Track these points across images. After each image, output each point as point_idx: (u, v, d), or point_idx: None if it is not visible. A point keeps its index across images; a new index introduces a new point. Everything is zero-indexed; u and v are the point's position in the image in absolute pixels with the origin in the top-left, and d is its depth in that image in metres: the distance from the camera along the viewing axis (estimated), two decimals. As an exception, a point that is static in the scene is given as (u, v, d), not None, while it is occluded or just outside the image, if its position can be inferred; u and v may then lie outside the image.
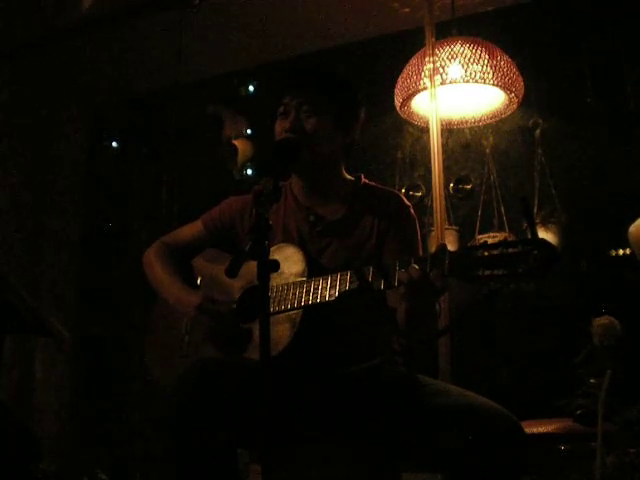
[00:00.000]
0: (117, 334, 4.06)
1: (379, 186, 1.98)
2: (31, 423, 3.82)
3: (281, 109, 1.88)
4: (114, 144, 4.55)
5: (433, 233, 3.08)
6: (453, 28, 3.13)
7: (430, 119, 2.97)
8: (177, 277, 1.94)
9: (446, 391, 1.70)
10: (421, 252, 1.89)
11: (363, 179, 1.97)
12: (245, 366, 1.65)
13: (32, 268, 4.15)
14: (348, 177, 1.97)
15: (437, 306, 1.67)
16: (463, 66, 2.91)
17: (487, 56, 2.93)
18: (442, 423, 1.61)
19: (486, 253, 1.40)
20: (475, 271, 1.41)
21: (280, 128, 1.87)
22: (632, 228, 2.43)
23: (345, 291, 1.60)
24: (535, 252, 1.35)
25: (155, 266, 2.00)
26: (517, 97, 3.03)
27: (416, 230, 1.90)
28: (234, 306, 1.84)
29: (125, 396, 3.89)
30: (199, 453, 1.55)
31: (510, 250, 1.38)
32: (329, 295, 1.63)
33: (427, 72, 2.96)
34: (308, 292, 1.67)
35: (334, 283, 1.63)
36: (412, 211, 1.91)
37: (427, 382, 1.75)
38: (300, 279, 1.72)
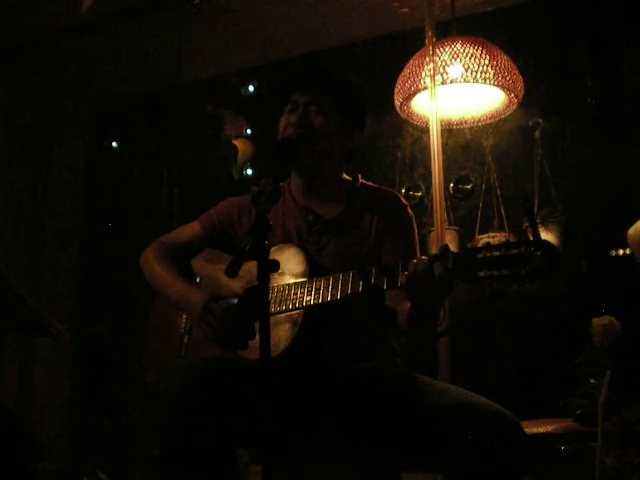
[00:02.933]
0: (117, 334, 4.06)
1: (376, 186, 1.98)
2: (31, 423, 3.82)
3: (289, 106, 1.88)
4: (114, 144, 4.55)
5: (433, 233, 3.08)
6: (453, 28, 3.13)
7: (430, 119, 2.97)
8: (178, 275, 1.94)
9: (446, 391, 1.70)
10: (418, 251, 1.89)
11: (360, 179, 1.98)
12: (245, 366, 1.65)
13: (32, 268, 4.15)
14: (346, 177, 1.98)
15: (441, 311, 1.68)
16: (463, 66, 2.91)
17: (487, 56, 2.93)
18: (442, 423, 1.61)
19: (489, 254, 1.41)
20: (478, 272, 1.41)
21: (285, 122, 1.86)
22: (631, 231, 2.44)
23: (349, 293, 1.60)
24: (538, 253, 1.35)
25: (154, 265, 1.99)
26: (517, 97, 3.03)
27: (413, 229, 1.90)
28: (235, 301, 1.83)
29: (125, 396, 3.89)
30: (198, 453, 1.55)
31: (513, 251, 1.39)
32: (331, 295, 1.63)
33: (427, 72, 2.96)
34: (310, 292, 1.67)
35: (336, 283, 1.63)
36: (410, 210, 1.92)
37: (427, 382, 1.75)
38: (301, 280, 1.72)
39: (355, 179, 1.97)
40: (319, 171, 1.90)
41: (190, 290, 1.87)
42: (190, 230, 2.04)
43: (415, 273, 1.49)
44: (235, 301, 1.85)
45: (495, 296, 1.44)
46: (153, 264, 1.99)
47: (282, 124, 1.88)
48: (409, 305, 1.62)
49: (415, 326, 1.67)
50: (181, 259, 2.01)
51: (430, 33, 3.02)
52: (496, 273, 1.39)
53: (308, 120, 1.83)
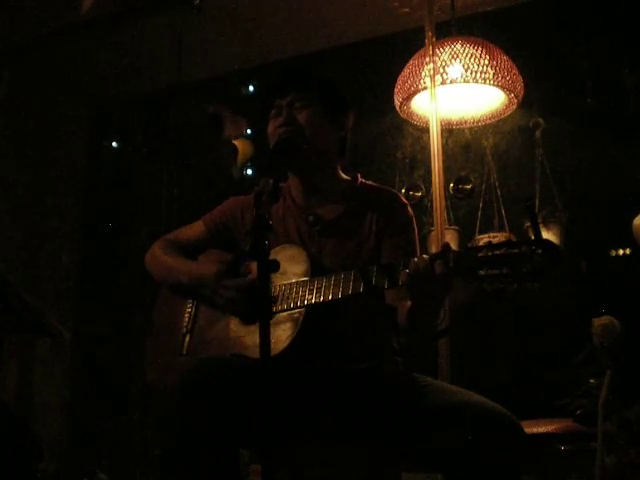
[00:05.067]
0: (117, 334, 4.06)
1: (376, 185, 1.99)
2: (31, 423, 3.82)
3: (273, 112, 1.92)
4: (114, 144, 4.55)
5: (433, 233, 3.08)
6: (453, 28, 3.13)
7: (430, 119, 2.97)
8: (186, 259, 1.96)
9: (446, 391, 1.70)
10: (418, 250, 1.90)
11: (360, 178, 1.98)
12: (246, 365, 1.65)
13: (32, 268, 4.15)
14: (344, 177, 1.98)
15: (441, 310, 1.68)
16: (463, 66, 2.92)
17: (487, 56, 2.93)
18: (442, 423, 1.61)
19: (490, 253, 1.41)
20: (479, 270, 1.41)
21: (273, 126, 1.90)
22: (637, 221, 2.44)
23: (350, 292, 1.60)
24: (539, 252, 1.36)
25: (161, 256, 2.00)
26: (517, 97, 3.03)
27: (413, 228, 1.91)
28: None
29: (125, 396, 3.89)
30: (199, 453, 1.55)
31: (514, 250, 1.39)
32: (332, 294, 1.63)
33: (427, 72, 2.96)
34: (311, 291, 1.67)
35: (337, 282, 1.63)
36: (409, 209, 1.92)
37: (427, 382, 1.75)
38: (303, 279, 1.72)
39: (354, 178, 1.98)
40: (315, 168, 1.91)
41: (199, 266, 1.91)
42: (193, 229, 2.05)
43: (416, 271, 1.49)
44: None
45: (496, 295, 1.44)
46: (159, 255, 2.00)
47: (270, 129, 1.91)
48: (409, 303, 1.62)
49: (415, 324, 1.67)
50: (186, 256, 2.01)
51: (430, 33, 3.02)
52: (497, 272, 1.39)
53: (294, 118, 1.87)
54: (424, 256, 1.50)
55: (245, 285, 1.76)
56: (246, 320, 1.77)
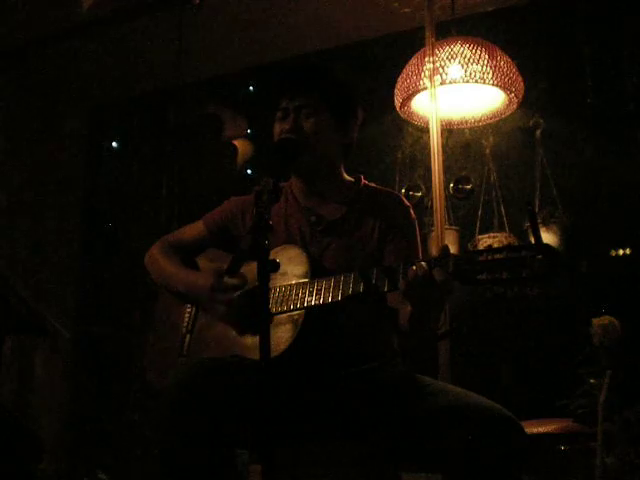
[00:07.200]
0: (117, 334, 4.06)
1: (379, 187, 1.99)
2: (31, 423, 3.82)
3: (279, 114, 1.89)
4: (114, 144, 4.55)
5: (433, 233, 3.08)
6: (453, 28, 3.13)
7: (430, 119, 2.98)
8: (183, 266, 1.95)
9: (446, 391, 1.70)
10: (421, 253, 1.90)
11: (363, 180, 1.98)
12: (245, 366, 1.65)
13: (32, 268, 4.15)
14: (348, 178, 1.98)
15: (442, 313, 1.67)
16: (463, 66, 2.92)
17: (487, 56, 2.93)
18: (442, 423, 1.61)
19: (490, 257, 1.40)
20: (479, 274, 1.41)
21: (279, 129, 1.87)
22: None
23: (350, 294, 1.60)
24: (539, 257, 1.35)
25: (159, 259, 1.99)
26: (517, 97, 3.03)
27: (416, 231, 1.90)
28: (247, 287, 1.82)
29: (125, 396, 3.89)
30: (197, 453, 1.55)
31: (514, 254, 1.38)
32: (332, 296, 1.63)
33: (427, 72, 2.96)
34: (311, 293, 1.67)
35: (337, 284, 1.63)
36: (412, 212, 1.92)
37: (427, 382, 1.75)
38: (303, 280, 1.72)
39: (358, 180, 1.97)
40: (318, 172, 1.90)
41: (196, 275, 1.89)
42: (194, 230, 2.05)
43: (415, 279, 1.48)
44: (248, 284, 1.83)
45: (496, 299, 1.44)
46: (158, 259, 2.00)
47: (276, 131, 1.89)
48: (409, 308, 1.62)
49: (416, 328, 1.67)
50: (185, 258, 2.01)
51: (430, 33, 3.02)
52: (497, 276, 1.39)
53: (300, 125, 1.84)
54: (422, 263, 1.49)
55: (237, 300, 1.75)
56: (242, 331, 1.76)
